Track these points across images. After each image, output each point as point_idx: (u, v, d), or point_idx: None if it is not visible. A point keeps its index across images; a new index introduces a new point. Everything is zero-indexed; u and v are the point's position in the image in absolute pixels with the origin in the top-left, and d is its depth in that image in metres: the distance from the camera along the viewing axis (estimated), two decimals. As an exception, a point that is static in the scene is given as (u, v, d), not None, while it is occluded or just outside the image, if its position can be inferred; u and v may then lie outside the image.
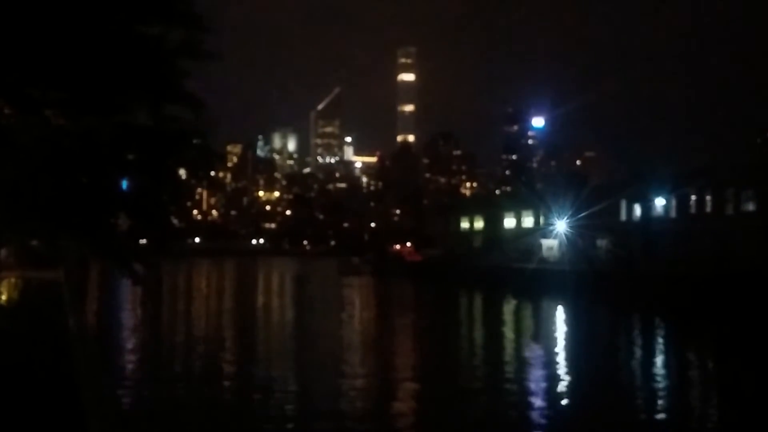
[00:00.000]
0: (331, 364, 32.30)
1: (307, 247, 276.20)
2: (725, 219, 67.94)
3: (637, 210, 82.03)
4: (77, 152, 12.99)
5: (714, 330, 47.08)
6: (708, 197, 71.77)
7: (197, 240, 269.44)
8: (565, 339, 44.10)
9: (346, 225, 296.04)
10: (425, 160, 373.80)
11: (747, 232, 63.37)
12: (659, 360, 36.75)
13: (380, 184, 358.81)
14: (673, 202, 76.44)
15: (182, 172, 17.48)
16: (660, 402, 25.95)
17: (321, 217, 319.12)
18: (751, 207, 66.34)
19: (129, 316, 53.62)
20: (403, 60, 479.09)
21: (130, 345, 38.78)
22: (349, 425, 21.86)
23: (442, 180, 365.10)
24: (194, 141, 15.17)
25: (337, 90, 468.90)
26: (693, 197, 73.75)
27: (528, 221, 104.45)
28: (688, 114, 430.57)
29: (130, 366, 31.89)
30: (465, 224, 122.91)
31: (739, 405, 25.91)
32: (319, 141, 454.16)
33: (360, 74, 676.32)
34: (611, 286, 65.50)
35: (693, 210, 73.82)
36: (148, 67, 13.04)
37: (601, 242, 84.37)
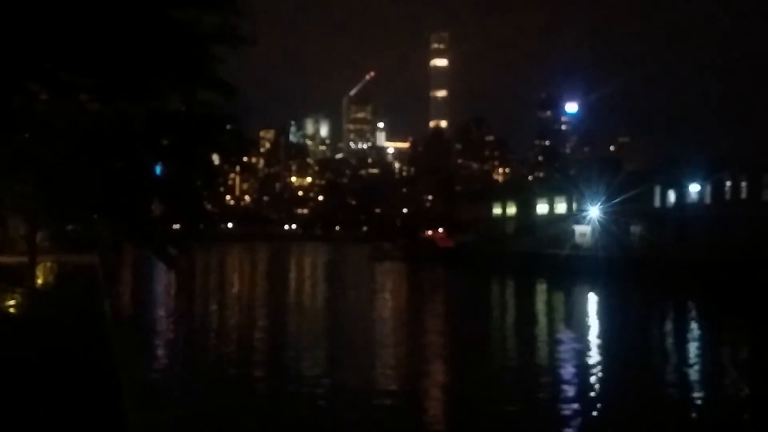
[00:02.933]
0: (362, 350, 32.45)
1: (340, 233, 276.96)
2: (761, 205, 66.99)
3: (671, 196, 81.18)
4: (112, 137, 13.12)
5: (747, 316, 46.63)
6: (743, 183, 70.82)
7: (230, 225, 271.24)
8: (598, 324, 43.91)
9: (378, 210, 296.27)
10: (458, 146, 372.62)
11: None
12: (693, 345, 36.51)
13: (413, 169, 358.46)
14: (708, 188, 75.52)
15: (215, 158, 17.60)
16: (693, 385, 25.91)
17: (353, 202, 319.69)
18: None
19: (162, 299, 54.24)
20: (435, 45, 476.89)
21: (164, 328, 39.25)
22: (377, 405, 21.95)
23: (475, 165, 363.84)
24: (227, 126, 15.25)
25: (369, 75, 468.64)
26: (728, 183, 72.82)
27: (561, 207, 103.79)
28: (723, 99, 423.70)
29: (164, 349, 32.29)
30: (497, 210, 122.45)
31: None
32: (351, 126, 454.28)
33: (393, 59, 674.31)
34: (644, 273, 64.97)
35: (728, 196, 72.89)
36: (182, 53, 13.11)
37: (635, 228, 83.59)
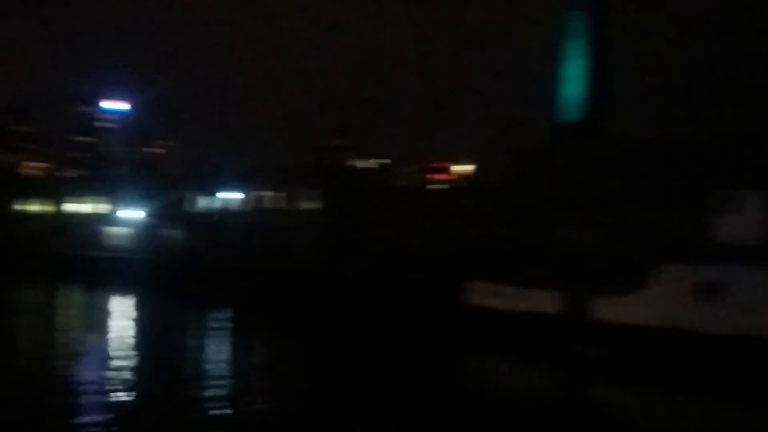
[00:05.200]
0: None
1: None
2: (289, 215, 72.16)
3: (209, 202, 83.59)
4: None
5: (272, 319, 50.11)
6: (275, 194, 75.52)
7: None
8: (130, 329, 43.71)
9: None
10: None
11: (307, 229, 68.06)
12: (217, 347, 38.28)
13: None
14: (243, 197, 79.19)
15: None
16: (215, 385, 27.20)
17: None
18: (312, 206, 71.28)
19: None
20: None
21: None
22: None
23: (11, 158, 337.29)
24: None
25: None
26: (262, 193, 77.10)
27: (100, 207, 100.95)
28: (270, 111, 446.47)
29: None
30: (30, 207, 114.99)
31: (288, 383, 28.78)
32: None
33: None
34: (180, 277, 66.28)
35: (261, 205, 77.17)
36: None
37: (173, 232, 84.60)
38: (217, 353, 36.33)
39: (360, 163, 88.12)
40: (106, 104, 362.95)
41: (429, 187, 72.32)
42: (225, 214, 79.36)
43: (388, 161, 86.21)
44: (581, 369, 33.53)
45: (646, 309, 34.49)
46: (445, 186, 73.15)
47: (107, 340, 38.84)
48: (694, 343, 32.42)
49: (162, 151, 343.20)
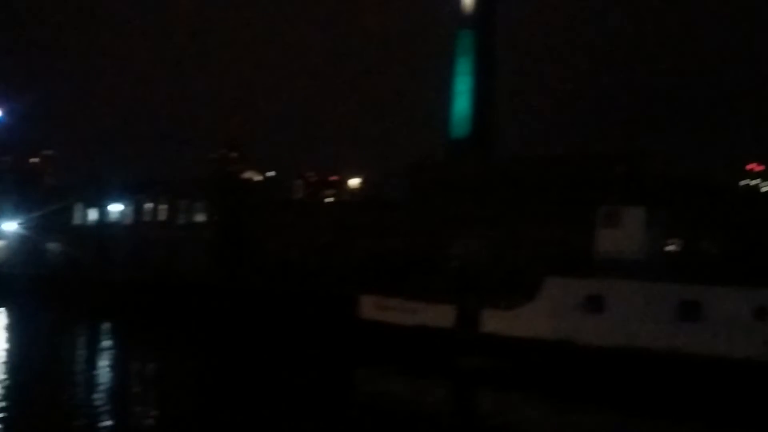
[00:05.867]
0: None
1: None
2: (177, 228, 70.54)
3: (93, 214, 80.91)
4: None
5: (158, 334, 48.71)
6: (163, 206, 73.70)
7: None
8: (3, 347, 41.59)
9: None
10: None
11: (195, 242, 66.64)
12: (101, 364, 36.96)
13: None
14: (129, 209, 76.98)
15: None
16: (97, 405, 26.19)
17: None
18: (200, 218, 69.90)
19: None
20: None
21: None
22: None
23: None
24: None
25: None
26: (148, 205, 75.09)
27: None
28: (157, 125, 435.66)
29: None
30: None
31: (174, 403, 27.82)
32: None
33: None
34: (62, 290, 63.84)
35: (147, 218, 75.17)
36: None
37: (54, 245, 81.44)
38: (98, 373, 34.89)
39: (252, 176, 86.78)
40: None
41: (325, 200, 72.07)
42: (111, 226, 76.93)
43: (272, 174, 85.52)
44: (473, 382, 33.84)
45: (535, 322, 35.18)
46: (337, 199, 72.92)
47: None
48: (581, 355, 33.24)
49: (44, 161, 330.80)
